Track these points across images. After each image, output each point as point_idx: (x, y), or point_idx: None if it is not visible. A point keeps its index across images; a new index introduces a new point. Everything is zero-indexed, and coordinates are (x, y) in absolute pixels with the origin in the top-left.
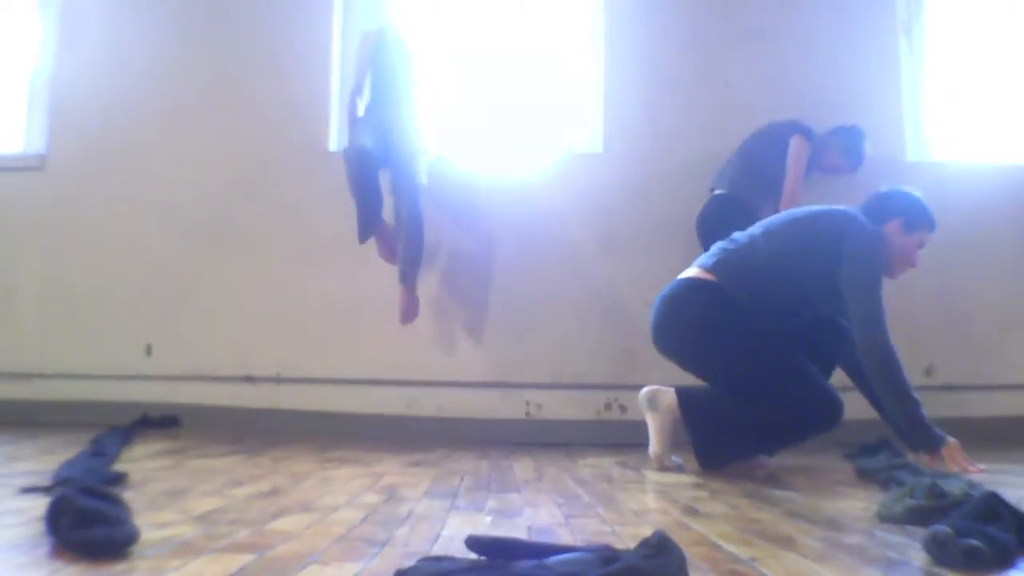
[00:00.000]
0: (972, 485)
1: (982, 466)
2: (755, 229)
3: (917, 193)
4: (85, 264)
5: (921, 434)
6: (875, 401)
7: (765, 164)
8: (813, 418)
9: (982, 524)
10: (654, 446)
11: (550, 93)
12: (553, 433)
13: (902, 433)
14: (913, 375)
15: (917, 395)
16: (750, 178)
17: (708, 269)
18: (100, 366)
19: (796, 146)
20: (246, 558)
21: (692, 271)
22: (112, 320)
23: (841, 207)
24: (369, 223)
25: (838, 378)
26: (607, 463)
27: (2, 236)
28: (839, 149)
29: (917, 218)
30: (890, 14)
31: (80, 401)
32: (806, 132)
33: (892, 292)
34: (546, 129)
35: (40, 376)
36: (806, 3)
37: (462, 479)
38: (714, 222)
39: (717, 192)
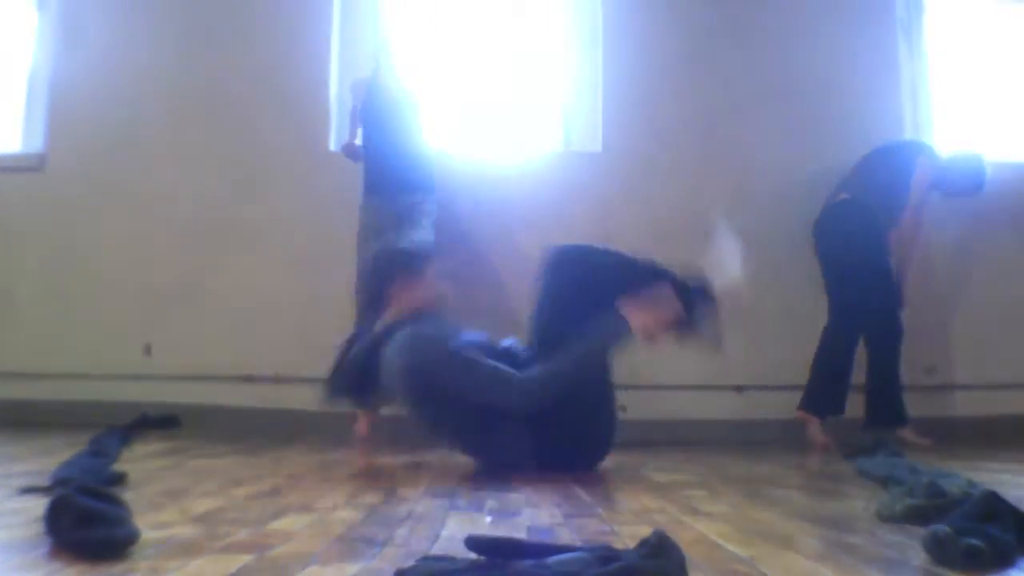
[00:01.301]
0: (972, 484)
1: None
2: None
3: None
4: (84, 264)
5: None
6: None
7: (888, 179)
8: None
9: (982, 524)
10: None
11: (549, 92)
12: None
13: None
14: (913, 375)
15: None
16: (875, 189)
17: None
18: (99, 366)
19: (922, 167)
20: (246, 558)
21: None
22: (111, 320)
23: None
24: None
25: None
26: (607, 463)
27: (1, 236)
28: (960, 173)
29: None
30: (890, 14)
31: (79, 401)
32: (931, 154)
33: None
34: (545, 128)
35: (39, 376)
36: (806, 3)
37: (462, 479)
38: (837, 226)
39: (843, 197)
